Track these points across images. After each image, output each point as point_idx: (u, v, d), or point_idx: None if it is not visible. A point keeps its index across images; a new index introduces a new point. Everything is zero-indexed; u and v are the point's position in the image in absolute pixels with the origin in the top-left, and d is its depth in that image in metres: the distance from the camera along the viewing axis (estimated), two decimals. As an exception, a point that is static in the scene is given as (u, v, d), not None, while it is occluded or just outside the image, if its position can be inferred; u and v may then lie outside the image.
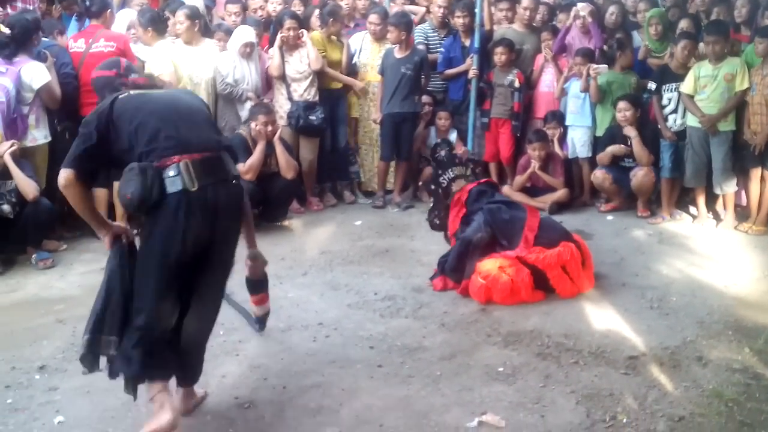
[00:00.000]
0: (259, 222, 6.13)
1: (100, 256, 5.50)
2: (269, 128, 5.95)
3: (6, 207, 5.17)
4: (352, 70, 7.18)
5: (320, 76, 6.82)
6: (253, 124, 5.98)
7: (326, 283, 4.88)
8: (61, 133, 5.83)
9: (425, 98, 7.31)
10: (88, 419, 3.20)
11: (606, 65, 6.77)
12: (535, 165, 6.75)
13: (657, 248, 5.71)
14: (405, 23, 6.90)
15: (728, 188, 6.18)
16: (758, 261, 5.37)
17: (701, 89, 6.13)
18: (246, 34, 6.52)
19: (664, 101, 6.47)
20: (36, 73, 5.47)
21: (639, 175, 6.44)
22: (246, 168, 5.83)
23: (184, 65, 6.27)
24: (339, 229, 6.21)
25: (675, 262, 5.33)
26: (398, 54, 6.88)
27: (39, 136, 5.61)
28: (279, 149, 6.01)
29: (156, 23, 6.22)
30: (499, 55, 7.12)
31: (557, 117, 7.07)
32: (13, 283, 5.00)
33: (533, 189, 6.92)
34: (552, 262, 4.53)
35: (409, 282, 4.89)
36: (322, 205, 6.81)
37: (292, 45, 6.62)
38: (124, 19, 6.50)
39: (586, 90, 6.86)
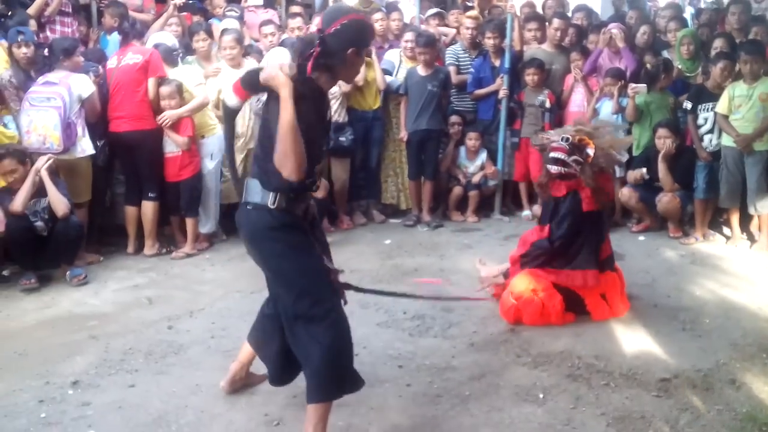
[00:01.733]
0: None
1: (133, 273, 5.62)
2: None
3: (40, 224, 5.28)
4: (389, 89, 7.19)
5: (352, 97, 6.87)
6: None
7: (356, 301, 4.82)
8: (101, 148, 5.99)
9: (454, 118, 7.34)
10: (119, 434, 3.24)
11: (645, 85, 6.73)
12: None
13: (689, 269, 5.64)
14: (430, 42, 6.97)
15: (763, 209, 6.09)
16: (793, 283, 5.28)
17: (736, 109, 6.08)
18: (281, 55, 6.58)
19: (700, 121, 6.43)
20: (84, 84, 5.76)
21: (663, 201, 6.40)
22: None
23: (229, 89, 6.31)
24: (368, 248, 6.23)
25: (708, 284, 5.26)
26: (423, 72, 6.93)
27: (87, 147, 5.81)
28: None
29: (167, 55, 6.32)
30: (531, 76, 7.15)
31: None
32: (48, 299, 5.10)
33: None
34: (592, 288, 4.55)
35: (438, 301, 4.88)
36: (353, 224, 6.83)
37: (322, 67, 6.67)
38: (160, 41, 6.61)
39: (617, 112, 6.83)
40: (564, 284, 4.52)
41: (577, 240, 4.55)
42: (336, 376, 2.96)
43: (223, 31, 6.68)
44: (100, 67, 6.13)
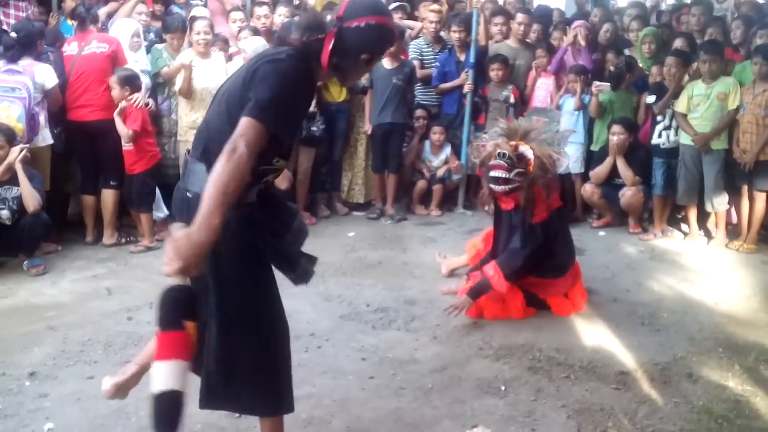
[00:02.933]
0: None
1: (92, 263, 5.52)
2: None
3: (5, 213, 5.16)
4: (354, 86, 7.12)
5: (321, 89, 6.81)
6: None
7: (319, 293, 4.88)
8: (58, 136, 5.89)
9: (419, 112, 7.35)
10: (78, 427, 3.18)
11: (609, 83, 6.81)
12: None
13: (648, 265, 5.74)
14: (399, 33, 6.95)
15: (719, 206, 6.23)
16: (748, 279, 5.40)
17: (695, 108, 6.18)
18: (252, 43, 6.49)
19: (658, 117, 6.51)
20: (48, 75, 5.67)
21: (627, 195, 6.48)
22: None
23: (198, 78, 6.27)
24: (332, 240, 6.21)
25: (666, 279, 5.36)
26: (388, 65, 6.91)
27: (47, 136, 5.73)
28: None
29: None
30: (496, 71, 7.18)
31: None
32: (5, 289, 4.97)
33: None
34: (556, 294, 4.63)
35: (402, 294, 4.90)
36: (314, 219, 6.81)
37: (298, 57, 6.61)
38: (125, 28, 6.48)
39: (579, 108, 6.91)
40: (556, 293, 4.61)
41: (544, 249, 4.46)
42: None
43: (194, 18, 6.57)
44: (56, 52, 6.00)
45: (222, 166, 2.09)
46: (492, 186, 4.36)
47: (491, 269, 4.39)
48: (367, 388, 3.57)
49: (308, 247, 5.76)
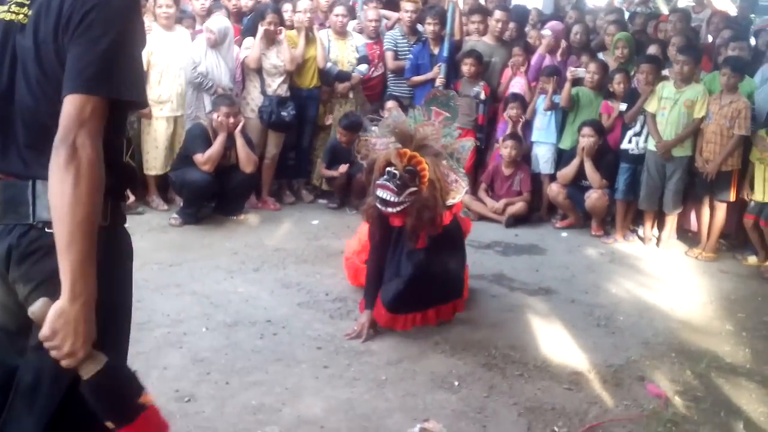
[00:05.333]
0: (214, 215, 6.13)
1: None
2: (231, 120, 5.89)
3: None
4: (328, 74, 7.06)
5: (292, 74, 6.76)
6: (214, 115, 5.91)
7: (278, 280, 4.83)
8: None
9: (391, 103, 7.28)
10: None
11: (584, 69, 6.84)
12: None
13: (608, 267, 5.78)
14: None
15: (674, 209, 6.32)
16: (705, 286, 5.47)
17: (661, 110, 6.21)
18: (216, 22, 6.40)
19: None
20: None
21: (593, 198, 6.50)
22: (204, 159, 5.76)
23: (160, 52, 6.16)
24: (295, 227, 6.15)
25: (624, 283, 5.40)
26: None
27: None
28: (240, 142, 5.94)
29: None
30: (468, 66, 7.14)
31: (519, 99, 7.06)
32: None
33: (497, 195, 6.94)
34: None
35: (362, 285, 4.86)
36: (279, 205, 6.74)
37: (270, 40, 6.56)
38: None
39: (550, 108, 6.92)
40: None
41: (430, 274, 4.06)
42: None
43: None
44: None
45: (70, 189, 1.46)
46: (379, 206, 3.87)
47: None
48: (321, 378, 3.54)
49: (271, 232, 5.73)
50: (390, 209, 3.83)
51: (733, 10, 10.13)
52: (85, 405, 1.59)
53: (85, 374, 1.50)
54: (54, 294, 1.53)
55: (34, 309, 1.52)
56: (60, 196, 1.47)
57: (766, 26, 8.18)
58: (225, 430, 3.01)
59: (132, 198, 5.79)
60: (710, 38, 7.34)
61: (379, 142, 4.08)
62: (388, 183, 3.77)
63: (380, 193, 3.80)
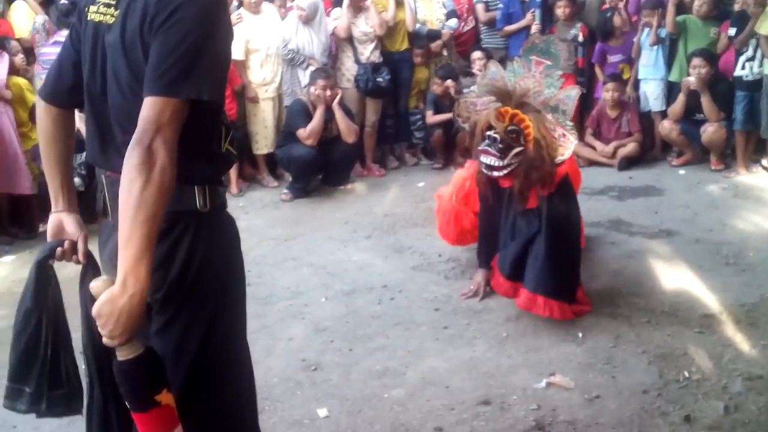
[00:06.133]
0: (322, 186, 6.24)
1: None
2: (328, 93, 5.93)
3: (78, 180, 5.29)
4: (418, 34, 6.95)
5: (385, 38, 6.71)
6: (312, 89, 5.97)
7: (389, 245, 4.86)
8: None
9: (477, 54, 7.02)
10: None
11: None
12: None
13: (732, 203, 5.48)
14: None
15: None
16: (841, 212, 5.11)
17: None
18: (304, -1, 6.44)
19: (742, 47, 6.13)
20: None
21: (709, 131, 6.16)
22: (307, 133, 5.84)
23: (256, 37, 6.29)
24: (401, 191, 6.16)
25: (752, 217, 5.10)
26: None
27: None
28: (339, 114, 5.98)
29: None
30: (563, 8, 6.90)
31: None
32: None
33: (605, 139, 6.70)
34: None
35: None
36: (384, 171, 6.78)
37: (357, 7, 6.55)
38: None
39: (656, 43, 6.57)
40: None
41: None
42: None
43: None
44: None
45: (138, 190, 1.48)
46: (485, 171, 3.75)
47: (538, 304, 3.64)
48: (441, 339, 3.55)
49: (379, 199, 5.73)
50: (496, 173, 3.69)
51: None
52: (205, 386, 1.72)
53: (119, 356, 1.57)
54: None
55: (93, 285, 1.59)
56: (128, 194, 1.49)
57: None
58: (353, 396, 3.06)
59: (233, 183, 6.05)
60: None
61: (479, 102, 3.93)
62: (489, 148, 3.63)
63: (483, 158, 3.68)
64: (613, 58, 6.93)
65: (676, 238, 4.74)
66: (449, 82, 6.58)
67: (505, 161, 3.63)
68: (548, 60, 4.16)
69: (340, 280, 4.26)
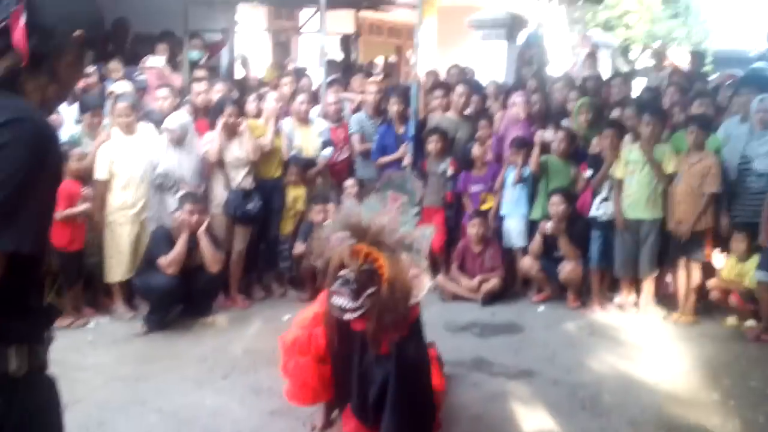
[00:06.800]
0: (181, 318, 5.95)
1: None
2: (194, 218, 5.79)
3: None
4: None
5: (258, 164, 6.69)
6: (177, 213, 5.82)
7: (248, 386, 4.64)
8: None
9: (349, 182, 7.12)
10: None
11: (552, 131, 6.85)
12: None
13: (588, 341, 5.65)
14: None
15: (651, 274, 6.25)
16: (687, 352, 5.37)
17: (630, 174, 6.19)
18: (174, 120, 6.36)
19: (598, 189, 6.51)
20: None
21: (566, 269, 6.42)
22: (168, 261, 5.62)
23: (121, 158, 6.10)
24: (266, 325, 5.93)
25: (607, 357, 5.26)
26: None
27: None
28: (204, 242, 5.81)
29: None
30: (434, 144, 7.13)
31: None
32: None
33: (470, 273, 6.81)
34: None
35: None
36: (248, 302, 6.58)
37: (231, 132, 6.52)
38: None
39: (519, 181, 6.86)
40: None
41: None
42: None
43: (118, 97, 6.42)
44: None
45: None
46: (336, 314, 3.51)
47: None
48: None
49: (241, 333, 5.52)
50: (348, 315, 3.48)
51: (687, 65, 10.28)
52: None
53: None
54: None
55: None
56: None
57: (725, 80, 8.28)
58: None
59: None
60: (670, 97, 7.38)
61: (333, 238, 3.70)
62: (342, 288, 3.45)
63: (336, 300, 3.46)
64: (474, 188, 7.15)
65: (535, 379, 4.79)
66: (330, 206, 6.58)
67: (358, 302, 3.43)
68: (404, 196, 4.16)
69: (188, 430, 3.99)
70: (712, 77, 9.46)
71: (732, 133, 6.40)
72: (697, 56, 10.31)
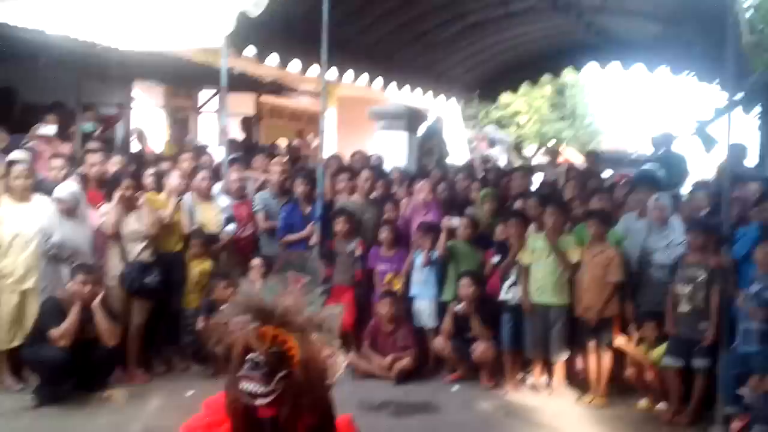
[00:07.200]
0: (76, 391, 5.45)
1: None
2: (87, 289, 5.41)
3: None
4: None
5: (158, 238, 6.44)
6: (69, 284, 5.45)
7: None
8: None
9: (256, 261, 6.89)
10: None
11: (459, 218, 6.94)
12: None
13: (503, 422, 5.57)
14: None
15: (561, 356, 6.30)
16: (602, 437, 5.35)
17: (536, 261, 6.32)
18: (65, 190, 6.05)
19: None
20: None
21: (479, 350, 6.38)
22: (59, 334, 5.26)
23: (8, 223, 5.78)
24: (167, 401, 5.52)
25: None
26: None
27: None
28: (98, 315, 5.47)
29: None
30: (341, 225, 7.09)
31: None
32: None
33: (382, 352, 6.64)
34: None
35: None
36: (148, 377, 6.17)
37: (129, 205, 6.28)
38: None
39: (427, 264, 6.87)
40: None
41: None
42: None
43: (11, 162, 6.12)
44: None
45: None
46: (246, 400, 2.99)
47: None
48: None
49: (140, 409, 5.03)
50: (260, 401, 3.20)
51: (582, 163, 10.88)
52: None
53: None
54: None
55: None
56: None
57: (621, 179, 8.78)
58: None
59: None
60: (570, 191, 7.72)
61: (233, 322, 3.43)
62: (253, 373, 3.21)
63: (245, 385, 3.20)
64: (381, 266, 7.10)
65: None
66: (234, 282, 6.25)
67: (270, 386, 3.16)
68: (305, 276, 3.94)
69: None
70: (605, 176, 10.01)
71: (631, 228, 6.69)
72: (593, 156, 10.98)
